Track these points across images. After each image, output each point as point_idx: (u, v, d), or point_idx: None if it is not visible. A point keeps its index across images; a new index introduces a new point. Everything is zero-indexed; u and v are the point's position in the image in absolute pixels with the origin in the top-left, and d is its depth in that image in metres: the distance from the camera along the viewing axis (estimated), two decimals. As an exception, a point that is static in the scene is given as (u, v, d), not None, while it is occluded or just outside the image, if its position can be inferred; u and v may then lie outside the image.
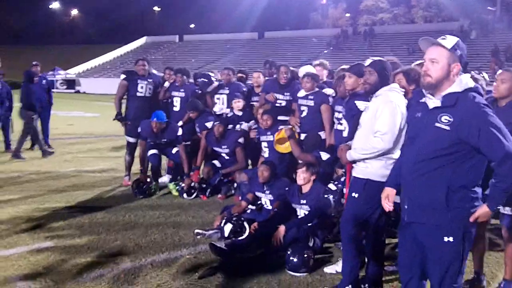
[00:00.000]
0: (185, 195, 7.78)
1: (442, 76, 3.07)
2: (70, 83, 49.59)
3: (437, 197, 3.03)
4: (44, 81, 12.56)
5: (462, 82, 3.06)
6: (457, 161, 3.00)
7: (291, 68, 7.59)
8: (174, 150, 8.12)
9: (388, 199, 3.49)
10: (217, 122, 7.61)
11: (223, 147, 7.73)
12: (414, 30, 47.03)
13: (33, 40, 77.19)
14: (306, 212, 5.57)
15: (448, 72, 3.07)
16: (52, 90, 12.95)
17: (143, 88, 8.38)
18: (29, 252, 5.19)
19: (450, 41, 3.11)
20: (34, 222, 6.27)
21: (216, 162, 7.94)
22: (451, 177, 3.01)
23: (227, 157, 7.82)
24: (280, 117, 7.17)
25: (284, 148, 6.75)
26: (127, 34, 67.81)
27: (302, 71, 7.09)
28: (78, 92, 48.12)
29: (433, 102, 3.11)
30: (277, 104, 7.35)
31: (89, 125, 19.06)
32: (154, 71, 8.88)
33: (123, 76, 8.63)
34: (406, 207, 3.23)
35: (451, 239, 3.02)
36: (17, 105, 12.22)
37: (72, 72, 53.43)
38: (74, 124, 18.49)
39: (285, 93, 7.34)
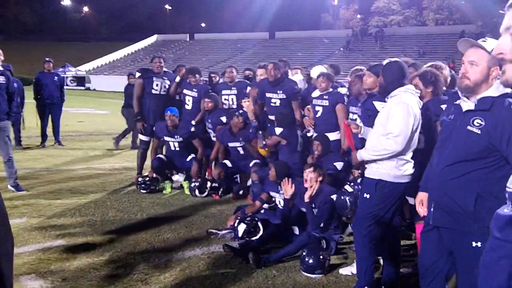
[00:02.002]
0: (196, 192, 7.70)
1: (481, 79, 2.96)
2: (80, 80, 49.73)
3: (466, 203, 2.93)
4: (56, 78, 12.56)
5: (500, 86, 2.94)
6: (489, 167, 2.89)
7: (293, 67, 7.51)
8: (189, 158, 8.09)
9: (422, 204, 3.37)
10: (237, 113, 7.59)
11: (240, 139, 7.65)
12: (425, 33, 46.90)
13: (44, 37, 77.55)
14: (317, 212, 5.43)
15: (487, 76, 2.97)
16: (64, 87, 12.91)
17: (158, 86, 8.33)
18: (41, 250, 5.12)
19: (491, 43, 3.00)
20: (46, 220, 6.21)
21: (227, 162, 7.85)
22: (481, 184, 2.90)
23: (242, 152, 7.74)
24: (270, 117, 7.13)
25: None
26: (138, 32, 67.90)
27: (314, 71, 7.01)
28: (88, 89, 48.28)
29: (467, 104, 3.01)
30: (271, 104, 7.23)
31: (100, 122, 19.05)
32: (167, 70, 8.81)
33: (138, 74, 8.59)
34: (432, 210, 3.14)
35: (479, 244, 2.91)
36: (29, 101, 12.25)
37: (82, 69, 53.60)
38: (84, 121, 18.48)
39: (278, 91, 7.18)
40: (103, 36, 77.54)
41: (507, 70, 1.78)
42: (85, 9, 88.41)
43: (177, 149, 8.06)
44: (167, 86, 8.40)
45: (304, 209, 5.51)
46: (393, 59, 4.49)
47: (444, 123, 3.23)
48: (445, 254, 3.13)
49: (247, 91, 7.96)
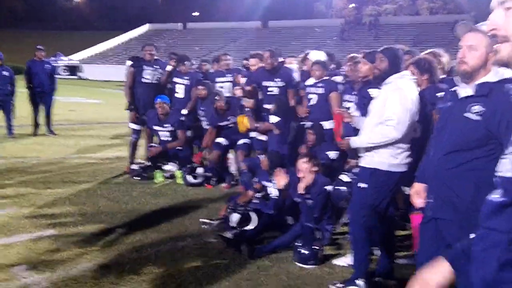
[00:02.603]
0: (188, 177, 7.65)
1: (479, 64, 2.87)
2: (73, 69, 49.32)
3: (463, 194, 2.86)
4: (47, 66, 12.42)
5: (499, 72, 2.85)
6: (488, 156, 2.79)
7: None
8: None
9: (419, 195, 3.29)
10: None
11: (228, 118, 7.70)
12: (419, 22, 46.76)
13: (36, 25, 76.76)
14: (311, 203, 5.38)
15: (486, 61, 2.87)
16: (55, 75, 12.78)
17: (149, 75, 8.25)
18: (31, 240, 5.06)
19: None
20: (37, 209, 6.14)
21: (221, 140, 7.79)
22: (479, 174, 2.80)
23: (232, 126, 7.74)
24: (266, 106, 7.07)
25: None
26: (130, 21, 67.32)
27: (313, 55, 6.94)
28: (80, 78, 47.90)
29: (464, 91, 2.92)
30: (268, 93, 7.15)
31: (91, 111, 18.87)
32: (159, 58, 8.71)
33: (129, 62, 8.50)
34: (431, 201, 3.06)
35: None
36: (21, 90, 12.13)
37: (75, 59, 53.14)
38: (75, 110, 18.31)
39: (276, 79, 7.11)
40: (95, 25, 76.87)
41: (501, 48, 1.71)
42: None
43: (169, 138, 8.00)
44: (158, 75, 8.31)
45: (297, 200, 5.47)
46: (388, 46, 4.38)
47: (441, 111, 3.15)
48: (444, 247, 3.00)
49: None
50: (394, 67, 4.10)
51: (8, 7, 79.06)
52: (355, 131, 4.55)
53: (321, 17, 55.92)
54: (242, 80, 7.51)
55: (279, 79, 7.07)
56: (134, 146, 8.50)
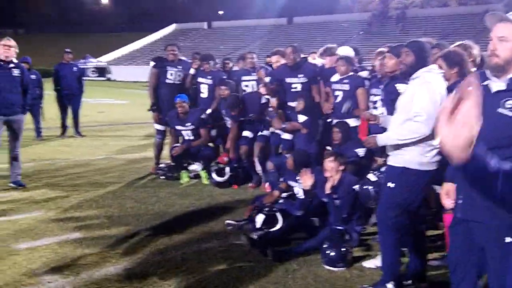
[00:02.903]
0: (214, 175, 7.61)
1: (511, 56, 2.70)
2: (101, 71, 49.91)
3: None
4: (75, 69, 12.52)
5: None
6: None
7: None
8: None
9: (448, 195, 3.16)
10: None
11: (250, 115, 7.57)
12: (448, 14, 45.85)
13: (65, 29, 77.92)
14: (339, 202, 5.25)
15: None
16: (83, 78, 12.90)
17: (172, 75, 8.20)
18: (57, 243, 5.07)
19: None
20: (63, 212, 6.17)
21: (247, 134, 7.69)
22: None
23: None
24: (290, 103, 6.96)
25: None
26: (156, 21, 67.63)
27: (341, 50, 6.80)
28: (109, 79, 48.44)
29: (497, 85, 2.75)
30: (292, 89, 7.01)
31: (120, 112, 19.05)
32: (183, 58, 8.67)
33: (152, 63, 8.48)
34: (460, 202, 2.91)
35: None
36: (49, 92, 12.27)
37: (103, 60, 53.76)
38: (104, 111, 18.52)
39: (298, 75, 6.97)
40: (122, 27, 77.59)
41: None
42: (104, 0, 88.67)
43: (191, 137, 7.96)
44: (181, 75, 8.27)
45: (325, 200, 5.34)
46: (414, 39, 4.25)
47: None
48: (476, 250, 2.90)
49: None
50: (421, 61, 3.93)
51: (37, 11, 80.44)
52: (383, 130, 4.40)
53: (346, 12, 55.24)
54: (266, 78, 7.40)
55: (302, 75, 6.95)
56: (159, 147, 8.49)
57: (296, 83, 6.98)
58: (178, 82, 8.25)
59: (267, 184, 7.13)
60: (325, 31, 49.06)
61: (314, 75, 7.01)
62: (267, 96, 7.37)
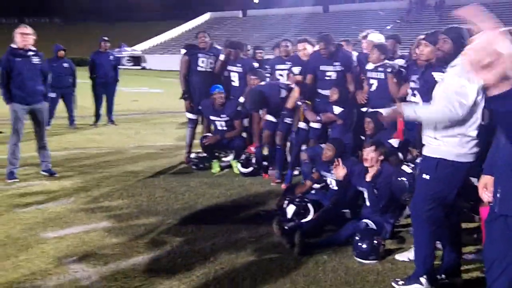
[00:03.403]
0: (239, 166, 7.53)
1: None
2: (136, 60, 50.38)
3: None
4: (111, 57, 12.58)
5: None
6: None
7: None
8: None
9: (487, 188, 2.98)
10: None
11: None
12: (487, 1, 44.56)
13: (101, 18, 78.93)
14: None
15: None
16: (119, 66, 12.94)
17: (204, 63, 8.09)
18: (85, 232, 5.04)
19: None
20: (93, 200, 6.16)
21: (270, 118, 7.47)
22: None
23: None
24: (322, 91, 6.74)
25: None
26: (191, 10, 67.95)
27: (372, 37, 6.59)
28: (144, 68, 48.89)
29: None
30: (326, 78, 6.80)
31: (153, 101, 19.14)
32: (218, 46, 8.52)
33: (183, 51, 8.39)
34: (498, 196, 2.73)
35: None
36: (84, 81, 12.37)
37: (138, 49, 54.26)
38: (138, 100, 18.61)
39: (334, 63, 6.75)
40: (157, 15, 78.07)
41: None
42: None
43: (224, 128, 7.84)
44: (213, 62, 8.15)
45: (362, 189, 5.16)
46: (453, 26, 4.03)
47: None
48: None
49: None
50: (459, 48, 3.73)
51: (75, 1, 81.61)
52: (420, 126, 4.19)
53: (383, 0, 54.27)
54: (295, 68, 7.19)
55: (338, 63, 6.74)
56: (191, 136, 8.40)
57: (331, 71, 6.77)
58: (209, 70, 8.12)
59: (276, 174, 7.09)
60: (361, 20, 48.28)
61: (350, 63, 6.79)
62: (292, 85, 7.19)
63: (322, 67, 6.80)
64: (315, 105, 6.82)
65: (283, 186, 6.81)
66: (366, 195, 5.12)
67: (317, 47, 6.98)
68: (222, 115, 7.76)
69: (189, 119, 8.41)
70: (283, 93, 7.25)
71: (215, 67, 8.15)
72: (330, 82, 6.71)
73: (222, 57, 8.10)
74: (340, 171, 5.33)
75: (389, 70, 5.99)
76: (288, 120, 7.21)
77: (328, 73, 6.77)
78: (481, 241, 4.58)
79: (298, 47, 7.29)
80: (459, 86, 3.54)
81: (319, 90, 6.85)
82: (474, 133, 3.64)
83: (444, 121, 3.57)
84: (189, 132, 8.43)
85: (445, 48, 3.82)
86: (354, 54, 7.22)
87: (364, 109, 6.60)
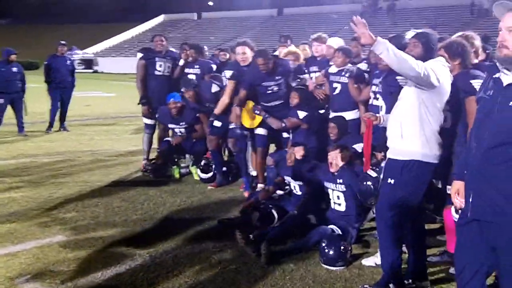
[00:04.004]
0: (199, 172, 7.38)
1: None
2: (88, 63, 49.38)
3: (511, 193, 2.53)
4: (68, 62, 12.25)
5: None
6: None
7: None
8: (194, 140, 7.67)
9: (459, 194, 2.94)
10: None
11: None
12: (437, 5, 45.84)
13: (50, 20, 77.02)
14: (340, 194, 5.05)
15: None
16: (76, 71, 12.59)
17: (161, 67, 7.89)
18: (39, 247, 4.76)
19: None
20: (46, 212, 5.86)
21: (217, 124, 7.08)
22: None
23: None
24: (265, 104, 6.59)
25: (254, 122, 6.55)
26: (144, 12, 67.08)
27: (332, 42, 6.53)
28: (96, 72, 47.94)
29: (509, 78, 2.58)
30: (268, 92, 6.54)
31: (106, 105, 18.70)
32: (172, 49, 8.34)
33: (140, 55, 8.16)
34: (471, 201, 2.73)
35: None
36: (33, 85, 11.92)
37: (89, 52, 53.23)
38: (91, 104, 18.12)
39: (276, 78, 6.50)
40: (109, 18, 76.82)
41: None
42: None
43: (184, 134, 7.63)
44: (171, 66, 7.94)
45: (328, 186, 5.16)
46: (421, 30, 4.14)
47: (482, 101, 2.78)
48: (486, 250, 2.73)
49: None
50: (429, 52, 3.82)
51: (22, 1, 79.39)
52: (384, 130, 4.15)
53: (337, 3, 55.01)
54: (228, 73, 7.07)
55: (279, 77, 6.50)
56: (148, 142, 8.17)
57: (273, 85, 6.51)
58: (167, 74, 7.92)
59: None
60: (315, 23, 48.85)
61: (289, 71, 6.62)
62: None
63: (264, 83, 6.51)
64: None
65: (246, 193, 6.66)
66: (331, 195, 5.13)
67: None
68: (181, 123, 7.55)
69: (146, 124, 8.17)
70: (214, 88, 7.19)
71: (173, 71, 7.94)
72: (273, 95, 6.52)
73: (181, 62, 7.87)
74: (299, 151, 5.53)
75: (347, 75, 5.93)
76: (217, 124, 7.03)
77: (270, 88, 6.52)
78: (445, 244, 4.61)
79: (237, 51, 6.85)
80: (437, 66, 3.62)
81: (262, 103, 6.60)
82: (436, 132, 3.71)
83: (412, 73, 3.49)
84: (146, 138, 8.19)
85: (415, 52, 3.85)
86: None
87: (322, 111, 6.53)
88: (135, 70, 8.09)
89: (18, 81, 11.27)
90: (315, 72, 6.80)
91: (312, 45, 7.05)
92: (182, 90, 7.49)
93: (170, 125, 7.76)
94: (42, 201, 6.26)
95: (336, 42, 6.63)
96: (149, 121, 8.11)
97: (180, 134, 7.68)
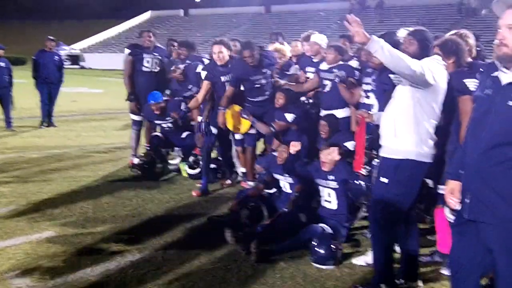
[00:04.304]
0: (186, 168, 7.34)
1: None
2: (74, 59, 49.00)
3: (509, 194, 2.49)
4: (56, 57, 12.15)
5: None
6: None
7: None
8: (184, 135, 7.59)
9: (453, 194, 2.89)
10: None
11: None
12: (425, 4, 46.09)
13: (38, 16, 76.40)
14: (332, 191, 5.03)
15: None
16: (64, 66, 12.52)
17: (149, 63, 7.84)
18: (28, 243, 4.73)
19: None
20: (34, 208, 5.81)
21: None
22: None
23: None
24: (253, 99, 6.58)
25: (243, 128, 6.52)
26: (131, 8, 66.73)
27: (316, 39, 6.56)
28: (82, 68, 47.58)
29: (507, 76, 2.54)
30: (256, 86, 6.51)
31: (93, 101, 18.57)
32: (159, 45, 8.29)
33: (127, 51, 8.10)
34: (467, 201, 2.68)
35: None
36: (21, 81, 11.83)
37: (76, 48, 52.81)
38: (77, 100, 17.99)
39: (263, 70, 6.49)
40: (97, 14, 76.28)
41: None
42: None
43: (171, 128, 7.61)
44: (158, 62, 7.90)
45: (320, 183, 5.12)
46: (416, 28, 4.15)
47: (479, 99, 2.74)
48: (482, 252, 2.71)
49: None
50: (424, 51, 3.80)
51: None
52: (377, 128, 4.16)
53: (325, 1, 55.06)
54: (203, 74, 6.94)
55: (266, 69, 6.49)
56: (136, 138, 8.13)
57: (261, 78, 6.48)
58: (155, 70, 7.88)
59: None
60: (304, 20, 48.88)
61: (274, 63, 6.70)
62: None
63: (251, 77, 6.45)
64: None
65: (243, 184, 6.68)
66: (322, 192, 5.11)
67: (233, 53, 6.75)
68: (167, 118, 7.52)
69: (134, 120, 8.12)
70: (199, 67, 7.16)
71: (161, 67, 7.91)
72: (260, 89, 6.49)
73: (181, 66, 7.59)
74: (283, 153, 5.53)
75: (336, 80, 5.87)
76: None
77: (257, 82, 6.48)
78: (435, 243, 4.63)
79: (214, 49, 6.65)
80: (433, 65, 3.61)
81: (250, 98, 6.58)
82: (430, 131, 3.68)
83: (407, 71, 3.44)
84: (134, 135, 8.15)
85: (411, 49, 3.84)
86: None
87: (308, 106, 6.55)
88: (123, 66, 8.05)
89: (6, 76, 11.22)
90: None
91: (302, 44, 7.09)
92: (172, 68, 7.45)
93: (156, 121, 7.72)
94: (30, 197, 6.21)
95: (320, 38, 6.65)
96: (136, 118, 8.07)
97: (168, 128, 7.64)
